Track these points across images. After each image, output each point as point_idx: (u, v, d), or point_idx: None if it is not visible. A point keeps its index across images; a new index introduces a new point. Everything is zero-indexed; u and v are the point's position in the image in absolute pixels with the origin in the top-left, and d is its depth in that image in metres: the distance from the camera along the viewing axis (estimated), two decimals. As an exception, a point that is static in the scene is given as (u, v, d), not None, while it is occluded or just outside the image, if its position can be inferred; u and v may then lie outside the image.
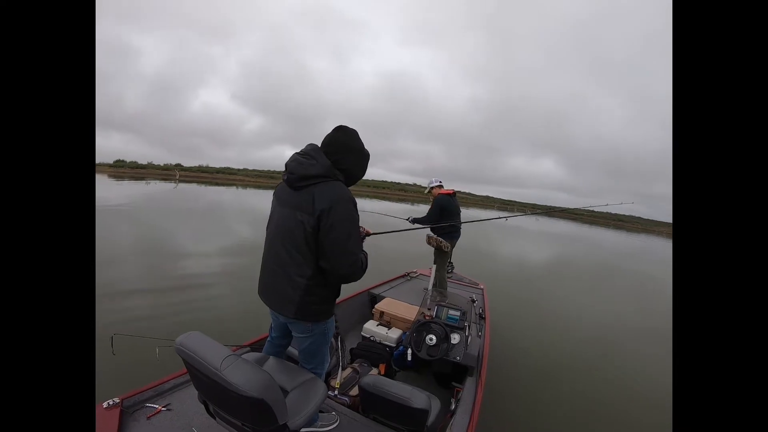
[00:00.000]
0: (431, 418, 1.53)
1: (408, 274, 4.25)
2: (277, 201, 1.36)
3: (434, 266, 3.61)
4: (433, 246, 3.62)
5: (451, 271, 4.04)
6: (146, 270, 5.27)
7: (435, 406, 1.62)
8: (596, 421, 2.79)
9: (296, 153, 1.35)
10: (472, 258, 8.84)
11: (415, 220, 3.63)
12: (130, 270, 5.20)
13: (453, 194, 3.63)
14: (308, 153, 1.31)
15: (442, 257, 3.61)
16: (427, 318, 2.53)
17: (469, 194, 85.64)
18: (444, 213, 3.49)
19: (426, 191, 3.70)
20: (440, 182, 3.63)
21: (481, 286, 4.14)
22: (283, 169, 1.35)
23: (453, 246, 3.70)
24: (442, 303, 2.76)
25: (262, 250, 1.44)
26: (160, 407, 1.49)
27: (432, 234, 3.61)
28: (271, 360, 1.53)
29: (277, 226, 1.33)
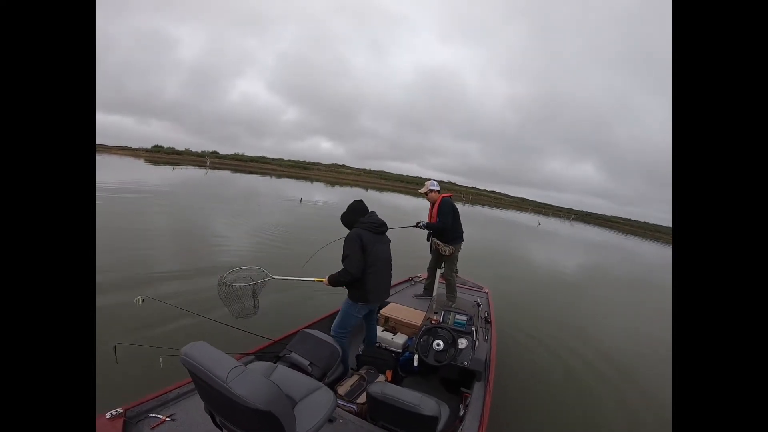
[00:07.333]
0: (441, 425, 1.50)
1: (412, 278, 4.21)
2: (378, 242, 2.29)
3: (439, 271, 3.55)
4: (446, 254, 3.50)
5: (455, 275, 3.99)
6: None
7: (444, 412, 1.58)
8: (607, 425, 2.74)
9: (374, 214, 2.39)
10: (497, 263, 8.78)
11: (427, 225, 3.50)
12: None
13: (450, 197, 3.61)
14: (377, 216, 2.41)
15: (450, 262, 3.54)
16: (433, 323, 2.50)
17: (504, 195, 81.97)
18: (456, 215, 3.47)
19: (423, 191, 3.53)
20: (438, 187, 3.57)
21: (486, 290, 4.09)
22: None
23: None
24: (449, 308, 2.73)
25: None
26: (164, 417, 1.46)
27: (440, 242, 3.50)
28: (279, 370, 1.50)
29: (384, 254, 2.35)
